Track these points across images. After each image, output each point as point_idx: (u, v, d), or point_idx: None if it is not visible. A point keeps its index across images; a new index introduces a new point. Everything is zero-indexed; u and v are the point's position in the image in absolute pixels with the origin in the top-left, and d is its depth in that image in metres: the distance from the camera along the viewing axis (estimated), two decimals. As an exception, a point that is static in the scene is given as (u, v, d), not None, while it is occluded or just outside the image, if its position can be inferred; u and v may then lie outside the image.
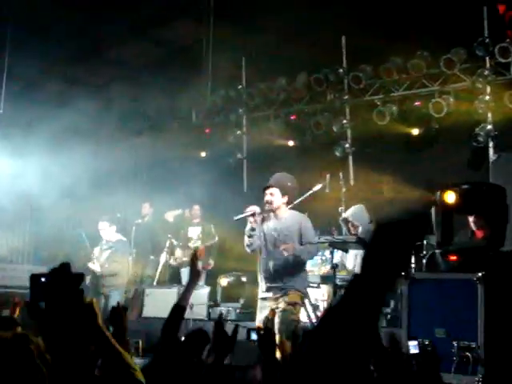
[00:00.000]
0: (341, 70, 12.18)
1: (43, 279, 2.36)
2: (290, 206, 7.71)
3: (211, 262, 12.53)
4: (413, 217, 1.56)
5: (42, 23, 12.82)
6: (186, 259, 12.59)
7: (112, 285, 11.18)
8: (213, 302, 11.36)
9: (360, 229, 9.09)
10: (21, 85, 13.13)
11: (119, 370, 2.39)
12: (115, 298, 10.37)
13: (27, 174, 12.79)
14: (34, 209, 15.11)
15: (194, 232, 13.09)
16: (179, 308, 4.12)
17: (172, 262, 12.77)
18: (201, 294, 11.45)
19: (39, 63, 13.07)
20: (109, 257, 11.18)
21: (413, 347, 4.79)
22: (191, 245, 12.98)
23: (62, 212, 14.20)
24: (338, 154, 12.12)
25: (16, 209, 14.47)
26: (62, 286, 2.19)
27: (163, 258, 12.63)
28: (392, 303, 8.79)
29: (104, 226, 11.30)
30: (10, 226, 14.99)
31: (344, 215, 9.55)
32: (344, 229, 9.52)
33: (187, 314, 10.57)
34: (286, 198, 7.44)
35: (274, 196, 7.42)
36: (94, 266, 11.06)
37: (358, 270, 8.83)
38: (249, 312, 11.22)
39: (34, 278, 2.39)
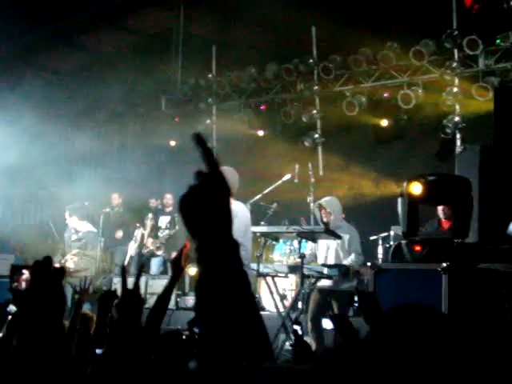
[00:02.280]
0: (311, 61, 12.20)
1: (24, 271, 2.38)
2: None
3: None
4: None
5: (12, 10, 12.66)
6: (154, 248, 12.57)
7: (80, 276, 11.07)
8: (181, 291, 11.35)
9: (332, 217, 9.11)
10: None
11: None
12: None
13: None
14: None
15: (164, 221, 13.08)
16: (164, 300, 4.10)
17: (143, 250, 12.73)
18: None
19: (6, 49, 12.96)
20: (79, 251, 11.00)
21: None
22: (160, 234, 12.96)
23: (28, 200, 14.09)
24: (307, 144, 12.16)
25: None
26: (43, 280, 2.19)
27: (132, 247, 12.57)
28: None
29: (69, 215, 11.02)
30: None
31: (319, 201, 9.58)
32: (317, 215, 9.54)
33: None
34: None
35: None
36: (69, 264, 10.82)
37: (330, 260, 8.92)
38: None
39: (15, 268, 2.41)
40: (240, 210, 7.70)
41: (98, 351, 3.60)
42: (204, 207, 1.49)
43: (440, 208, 8.66)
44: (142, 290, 10.78)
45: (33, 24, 13.19)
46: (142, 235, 12.78)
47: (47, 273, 2.20)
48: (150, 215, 13.01)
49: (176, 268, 4.35)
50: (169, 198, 13.16)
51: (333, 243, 9.21)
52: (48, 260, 2.23)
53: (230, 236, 1.51)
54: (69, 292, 10.52)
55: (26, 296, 2.23)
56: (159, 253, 12.62)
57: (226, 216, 1.52)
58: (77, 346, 3.79)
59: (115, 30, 14.43)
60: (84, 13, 13.44)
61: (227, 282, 1.47)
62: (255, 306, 1.51)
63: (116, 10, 13.74)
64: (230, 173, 7.59)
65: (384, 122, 11.92)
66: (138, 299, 2.50)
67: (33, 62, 15.10)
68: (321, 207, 9.35)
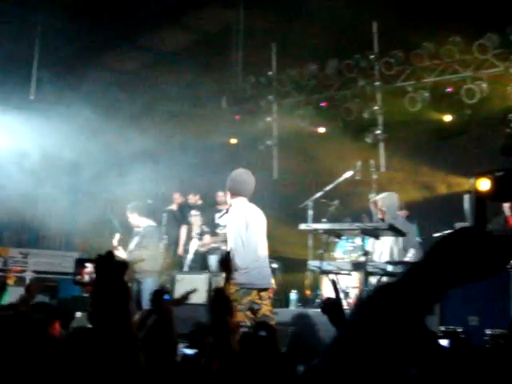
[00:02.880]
0: (372, 56, 12.09)
1: (88, 264, 2.43)
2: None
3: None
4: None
5: (73, 9, 12.86)
6: (213, 245, 12.64)
7: (143, 271, 11.16)
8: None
9: (387, 216, 9.03)
10: (52, 71, 13.20)
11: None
12: (148, 284, 10.35)
13: (59, 161, 12.89)
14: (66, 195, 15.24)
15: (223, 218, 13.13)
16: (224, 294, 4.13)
17: (200, 248, 12.81)
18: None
19: (70, 50, 13.18)
20: (137, 243, 11.14)
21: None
22: (219, 231, 13.02)
23: (92, 199, 14.30)
24: (368, 140, 12.06)
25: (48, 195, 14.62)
26: (107, 274, 2.22)
27: (194, 244, 12.68)
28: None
29: (130, 212, 11.14)
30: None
31: (374, 198, 9.51)
32: (373, 212, 9.49)
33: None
34: (228, 194, 7.57)
35: (226, 196, 7.67)
36: (119, 253, 10.97)
37: (384, 257, 8.84)
38: (278, 299, 11.25)
39: (79, 262, 2.47)
40: (233, 213, 7.51)
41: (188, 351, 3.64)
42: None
43: (507, 205, 8.50)
44: (206, 287, 10.88)
45: (95, 24, 13.38)
46: (202, 232, 12.87)
47: (110, 266, 2.23)
48: (193, 212, 13.06)
49: (226, 270, 4.38)
50: (221, 196, 13.21)
51: (387, 240, 9.14)
52: (110, 254, 2.26)
53: None
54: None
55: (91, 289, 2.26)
56: (223, 247, 12.65)
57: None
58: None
59: (176, 28, 14.53)
60: (145, 12, 13.57)
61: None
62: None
63: (177, 9, 13.83)
64: (230, 176, 7.65)
65: (447, 118, 11.75)
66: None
67: (94, 61, 15.33)
68: (375, 204, 9.30)
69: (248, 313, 6.70)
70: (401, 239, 8.91)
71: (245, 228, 7.21)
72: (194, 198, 13.49)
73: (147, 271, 10.91)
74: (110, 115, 13.81)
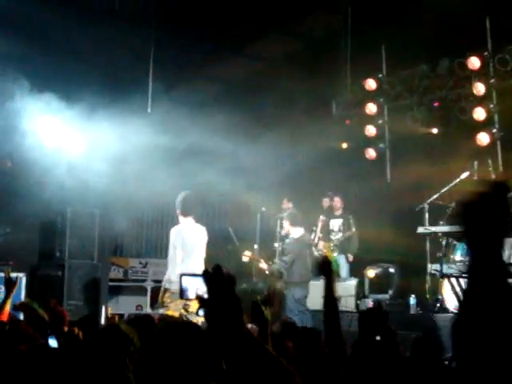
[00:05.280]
0: (486, 53, 11.75)
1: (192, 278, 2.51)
2: None
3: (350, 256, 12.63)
4: None
5: (183, 21, 13.15)
6: (327, 251, 12.63)
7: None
8: (361, 293, 11.33)
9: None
10: (166, 85, 13.53)
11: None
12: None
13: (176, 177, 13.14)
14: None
15: (336, 224, 13.11)
16: (329, 304, 4.11)
17: (315, 253, 12.82)
18: (348, 285, 11.44)
19: (182, 62, 13.46)
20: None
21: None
22: (333, 237, 13.00)
23: (208, 208, 14.54)
24: (484, 140, 11.72)
25: (155, 207, 14.99)
26: (215, 288, 2.22)
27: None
28: None
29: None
30: (160, 222, 15.52)
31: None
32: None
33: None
34: (179, 213, 9.07)
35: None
36: (262, 265, 11.19)
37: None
38: (398, 303, 11.11)
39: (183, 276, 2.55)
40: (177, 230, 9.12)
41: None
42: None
43: None
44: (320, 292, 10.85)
45: (201, 35, 13.62)
46: (314, 237, 12.88)
47: (219, 281, 2.23)
48: (322, 217, 13.08)
49: (325, 273, 4.33)
50: (337, 201, 13.20)
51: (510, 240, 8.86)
52: (218, 268, 2.25)
53: None
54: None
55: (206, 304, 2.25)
56: (335, 254, 12.65)
57: None
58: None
59: (283, 36, 14.63)
60: (251, 21, 13.71)
61: None
62: None
63: (282, 17, 13.91)
64: (192, 196, 9.12)
65: None
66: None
67: (202, 73, 15.60)
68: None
69: (183, 311, 8.25)
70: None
71: (181, 245, 8.74)
72: (286, 204, 13.48)
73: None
74: (221, 125, 14.00)
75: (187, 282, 2.65)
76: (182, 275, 2.70)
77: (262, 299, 3.62)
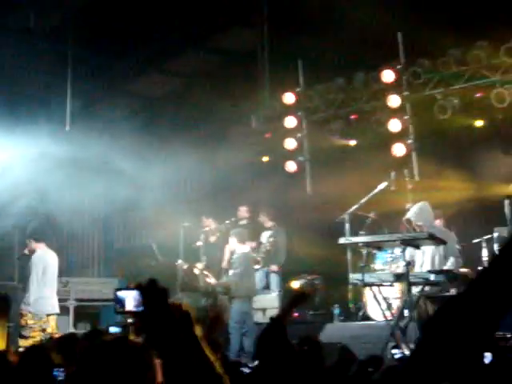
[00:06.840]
0: (399, 66, 12.10)
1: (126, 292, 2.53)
2: None
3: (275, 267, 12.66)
4: None
5: (99, 40, 13.07)
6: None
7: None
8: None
9: (425, 228, 9.00)
10: (84, 101, 13.42)
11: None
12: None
13: (93, 189, 13.04)
14: (102, 221, 15.42)
15: (265, 236, 13.05)
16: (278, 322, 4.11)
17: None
18: (272, 297, 11.53)
19: (100, 79, 13.35)
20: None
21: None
22: (262, 249, 13.01)
23: (130, 224, 14.44)
24: (400, 150, 12.04)
25: (85, 222, 14.80)
26: (151, 301, 2.25)
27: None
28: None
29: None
30: (80, 239, 15.32)
31: (406, 216, 9.49)
32: (409, 228, 9.44)
33: (260, 318, 10.69)
34: (32, 240, 9.80)
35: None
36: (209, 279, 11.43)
37: (426, 266, 8.82)
38: (322, 313, 11.26)
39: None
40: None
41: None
42: None
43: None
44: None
45: (120, 51, 13.57)
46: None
47: (153, 295, 2.26)
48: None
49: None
50: (243, 211, 13.24)
51: (428, 249, 9.13)
52: (153, 282, 2.28)
53: None
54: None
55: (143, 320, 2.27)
56: (257, 267, 12.61)
57: None
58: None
59: (201, 51, 14.69)
60: (167, 40, 13.75)
61: None
62: None
63: (201, 33, 13.99)
64: (45, 225, 10.04)
65: (478, 123, 11.70)
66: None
67: (123, 89, 15.52)
68: (409, 223, 9.28)
69: (40, 332, 9.17)
70: (441, 247, 8.90)
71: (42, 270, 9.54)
72: (206, 221, 13.36)
73: None
74: (141, 140, 13.93)
75: (123, 295, 2.65)
76: (116, 290, 2.72)
77: (198, 316, 3.63)
